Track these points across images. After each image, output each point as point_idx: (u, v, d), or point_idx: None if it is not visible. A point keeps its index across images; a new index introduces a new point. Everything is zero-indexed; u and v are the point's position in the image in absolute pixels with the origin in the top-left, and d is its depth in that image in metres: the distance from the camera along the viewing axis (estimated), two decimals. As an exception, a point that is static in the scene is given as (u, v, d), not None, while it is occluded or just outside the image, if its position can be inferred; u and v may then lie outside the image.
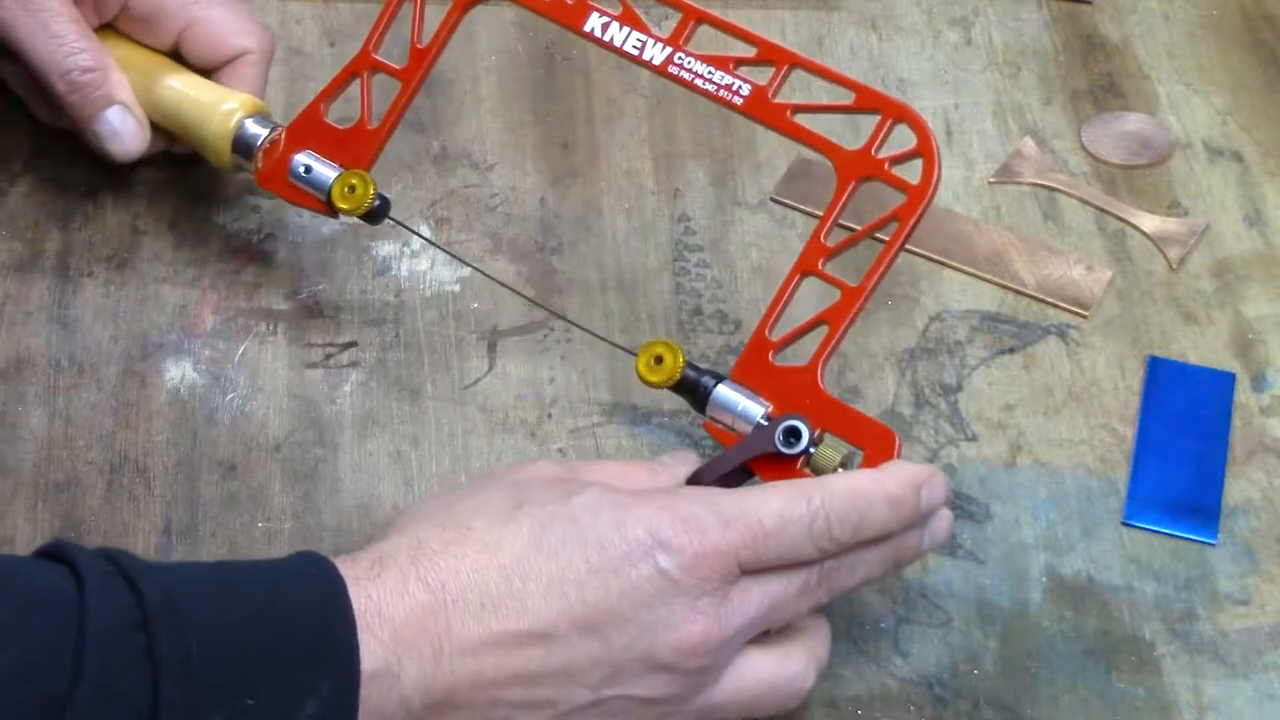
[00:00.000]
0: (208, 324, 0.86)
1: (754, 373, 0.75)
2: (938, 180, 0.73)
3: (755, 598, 0.67)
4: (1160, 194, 0.93)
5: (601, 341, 0.86)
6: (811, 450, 0.72)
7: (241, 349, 0.85)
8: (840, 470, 0.72)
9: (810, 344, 0.74)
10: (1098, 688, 0.75)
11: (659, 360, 0.76)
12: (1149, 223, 0.92)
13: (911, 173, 0.74)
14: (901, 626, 0.77)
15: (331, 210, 0.84)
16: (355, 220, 0.90)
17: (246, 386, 0.84)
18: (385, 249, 0.90)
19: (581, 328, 0.85)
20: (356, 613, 0.63)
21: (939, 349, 0.87)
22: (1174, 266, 0.90)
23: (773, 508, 0.67)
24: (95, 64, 0.85)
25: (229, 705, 0.60)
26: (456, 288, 0.88)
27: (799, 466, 0.72)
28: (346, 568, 0.64)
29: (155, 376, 0.84)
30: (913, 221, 0.73)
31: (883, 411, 0.84)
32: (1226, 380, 0.86)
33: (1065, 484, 0.82)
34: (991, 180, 0.94)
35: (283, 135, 0.85)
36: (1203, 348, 0.87)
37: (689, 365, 0.76)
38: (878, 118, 0.76)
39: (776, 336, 0.75)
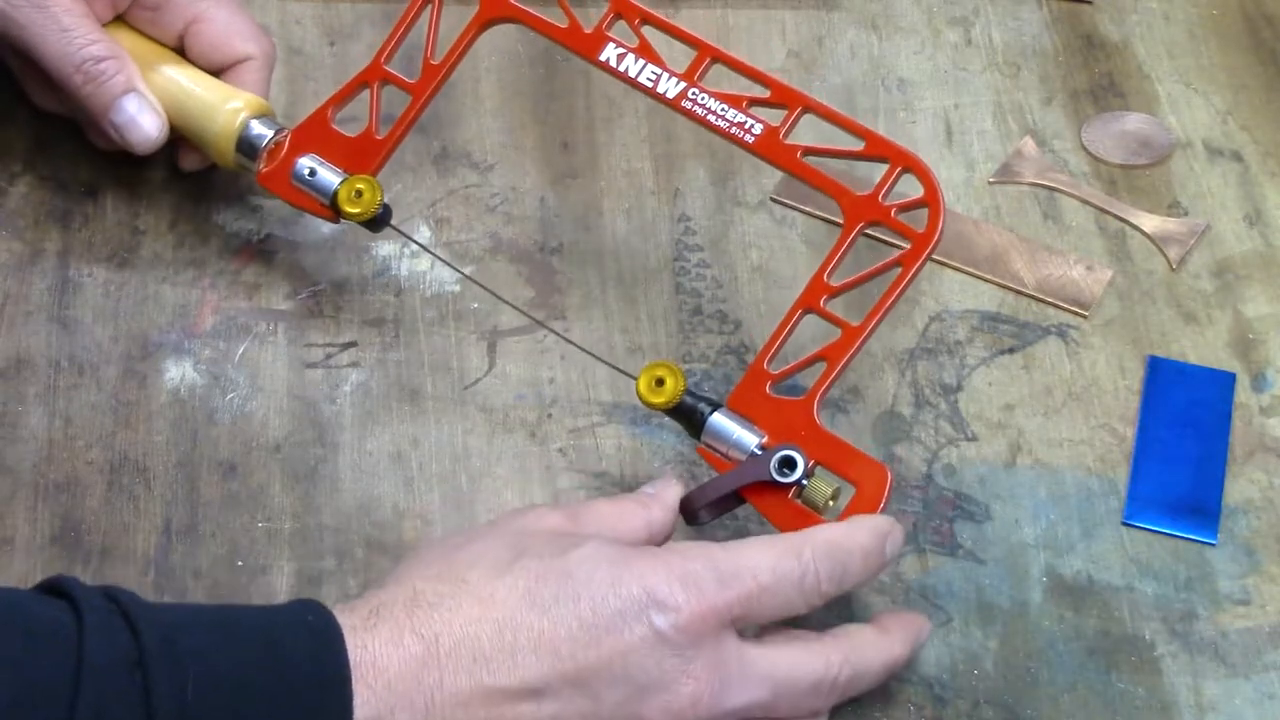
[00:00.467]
0: (208, 324, 0.86)
1: (751, 402, 0.76)
2: (942, 230, 0.74)
3: (762, 669, 0.68)
4: (1160, 194, 0.93)
5: (602, 340, 0.86)
6: (804, 482, 0.73)
7: (241, 349, 0.85)
8: (830, 503, 0.73)
9: (808, 378, 0.75)
10: (1098, 688, 0.75)
11: (660, 383, 0.77)
12: (1149, 223, 0.92)
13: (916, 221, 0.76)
14: (901, 626, 0.77)
15: (334, 214, 0.84)
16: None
17: (246, 386, 0.84)
18: (385, 249, 0.90)
19: (583, 349, 0.85)
20: (352, 663, 0.63)
21: (939, 349, 0.87)
22: (1174, 266, 0.90)
23: (767, 563, 0.68)
24: (109, 53, 0.85)
25: None
26: (456, 288, 0.88)
27: (790, 497, 0.73)
28: (344, 617, 0.65)
29: (155, 376, 0.84)
30: (916, 268, 0.75)
31: (883, 411, 0.84)
32: (1226, 380, 0.86)
33: (1065, 484, 0.82)
34: (991, 180, 0.94)
35: (288, 137, 0.85)
36: (1203, 348, 0.87)
37: (687, 391, 0.76)
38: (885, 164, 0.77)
39: (775, 369, 0.76)
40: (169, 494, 0.80)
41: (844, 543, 0.70)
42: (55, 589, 0.62)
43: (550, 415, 0.84)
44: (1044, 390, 0.85)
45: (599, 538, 0.69)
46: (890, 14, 1.01)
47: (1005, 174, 0.94)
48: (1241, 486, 0.82)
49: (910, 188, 0.76)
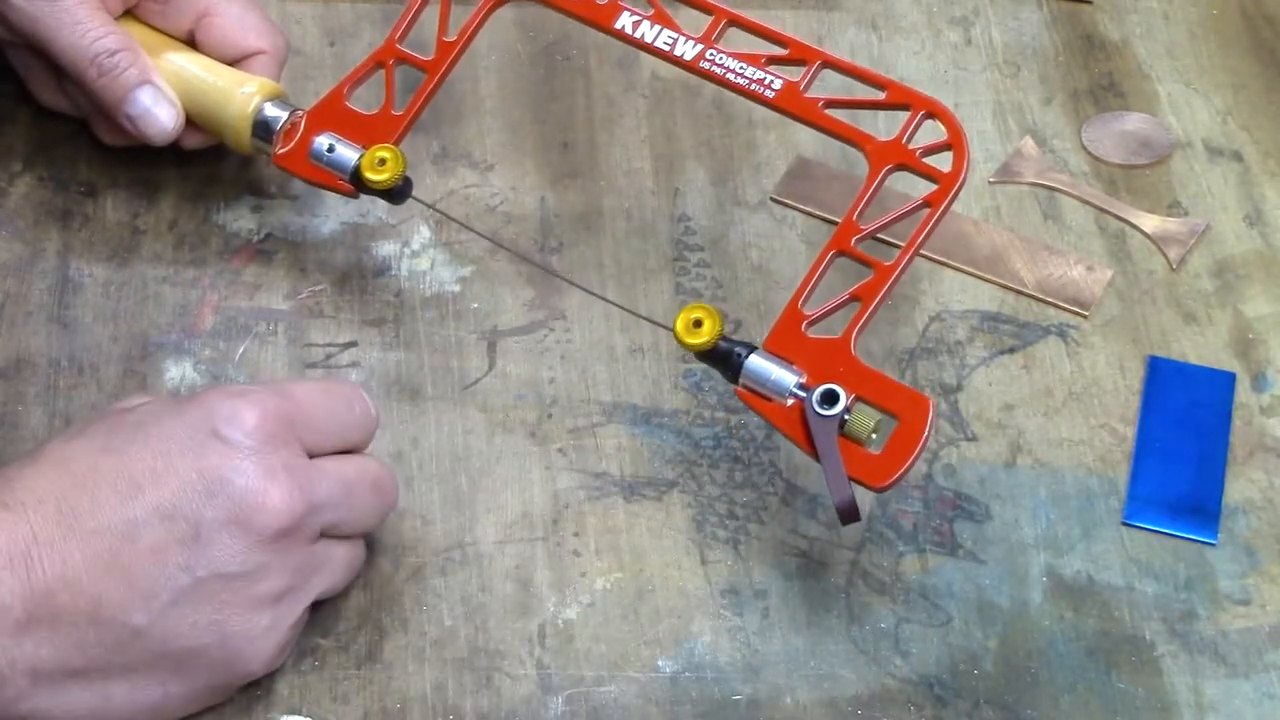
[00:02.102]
0: (208, 324, 0.86)
1: (787, 344, 0.76)
2: (968, 169, 0.77)
3: (333, 473, 0.72)
4: (1160, 194, 0.93)
5: (602, 340, 0.86)
6: (846, 416, 0.74)
7: (241, 349, 0.85)
8: (873, 436, 0.74)
9: (840, 321, 0.76)
10: (1098, 688, 0.75)
11: (698, 324, 0.77)
12: (1149, 223, 0.92)
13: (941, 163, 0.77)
14: (901, 626, 0.77)
15: (356, 187, 0.84)
16: (357, 219, 0.90)
17: (246, 386, 0.84)
18: (385, 249, 0.90)
19: (615, 304, 0.85)
20: None
21: (939, 349, 0.87)
22: (1174, 266, 0.90)
23: (317, 386, 0.74)
24: (122, 46, 0.85)
25: None
26: (456, 288, 0.88)
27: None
28: None
29: (155, 376, 0.84)
30: (944, 205, 0.76)
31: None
32: (1226, 380, 0.86)
33: (1065, 484, 0.82)
34: (991, 180, 0.94)
35: (303, 118, 0.86)
36: (1203, 348, 0.87)
37: (722, 335, 0.77)
38: (905, 113, 0.79)
39: (810, 311, 0.76)
40: (169, 494, 0.80)
41: (358, 393, 0.76)
42: None
43: (550, 415, 0.84)
44: (1044, 390, 0.85)
45: (168, 398, 0.75)
46: (890, 14, 1.01)
47: (1005, 174, 0.94)
48: (1241, 486, 0.82)
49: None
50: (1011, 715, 0.75)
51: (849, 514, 0.73)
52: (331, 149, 0.85)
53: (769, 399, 0.75)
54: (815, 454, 0.74)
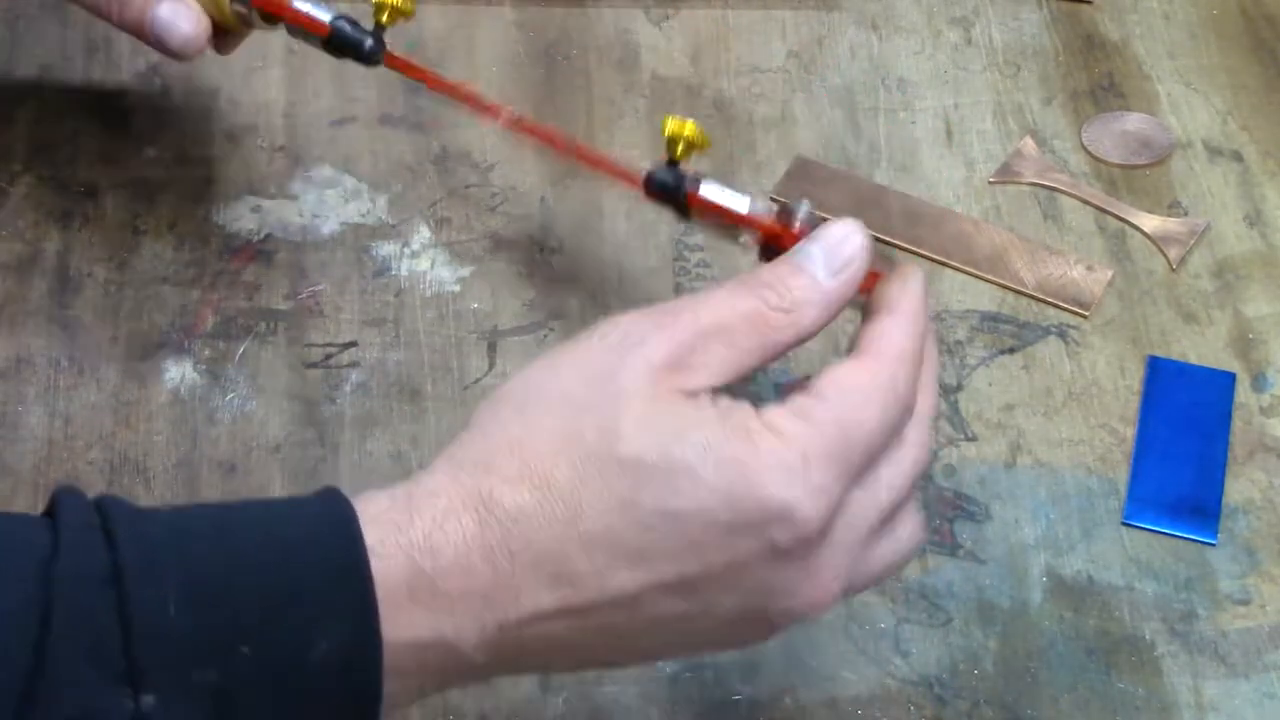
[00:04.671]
0: (208, 324, 0.86)
1: None
2: None
3: (870, 509, 0.60)
4: (1160, 194, 0.93)
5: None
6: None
7: (241, 349, 0.85)
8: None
9: None
10: (1098, 688, 0.75)
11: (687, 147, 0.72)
12: (1149, 223, 0.92)
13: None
14: (901, 626, 0.77)
15: (329, 38, 0.80)
16: (357, 219, 0.90)
17: (246, 386, 0.84)
18: (385, 249, 0.90)
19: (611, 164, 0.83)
20: (408, 588, 0.56)
21: (939, 349, 0.87)
22: (1174, 266, 0.90)
23: (878, 419, 0.60)
24: None
25: (219, 657, 0.55)
26: (456, 288, 0.88)
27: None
28: (398, 534, 0.57)
29: (155, 376, 0.84)
30: None
31: (883, 411, 0.84)
32: (1226, 380, 0.86)
33: (1065, 484, 0.82)
34: (991, 180, 0.94)
35: None
36: (1203, 348, 0.87)
37: (665, 169, 0.72)
38: None
39: None
40: (169, 494, 0.80)
41: (921, 338, 0.62)
42: (51, 503, 0.59)
43: (550, 415, 0.84)
44: (1044, 390, 0.85)
45: (713, 415, 0.59)
46: (890, 14, 1.01)
47: (1005, 174, 0.94)
48: (1241, 486, 0.82)
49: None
50: (1011, 715, 0.75)
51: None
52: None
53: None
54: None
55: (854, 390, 0.60)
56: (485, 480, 0.58)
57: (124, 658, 0.54)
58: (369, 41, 0.81)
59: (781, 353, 0.61)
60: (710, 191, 0.72)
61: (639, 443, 0.58)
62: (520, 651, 0.59)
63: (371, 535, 0.57)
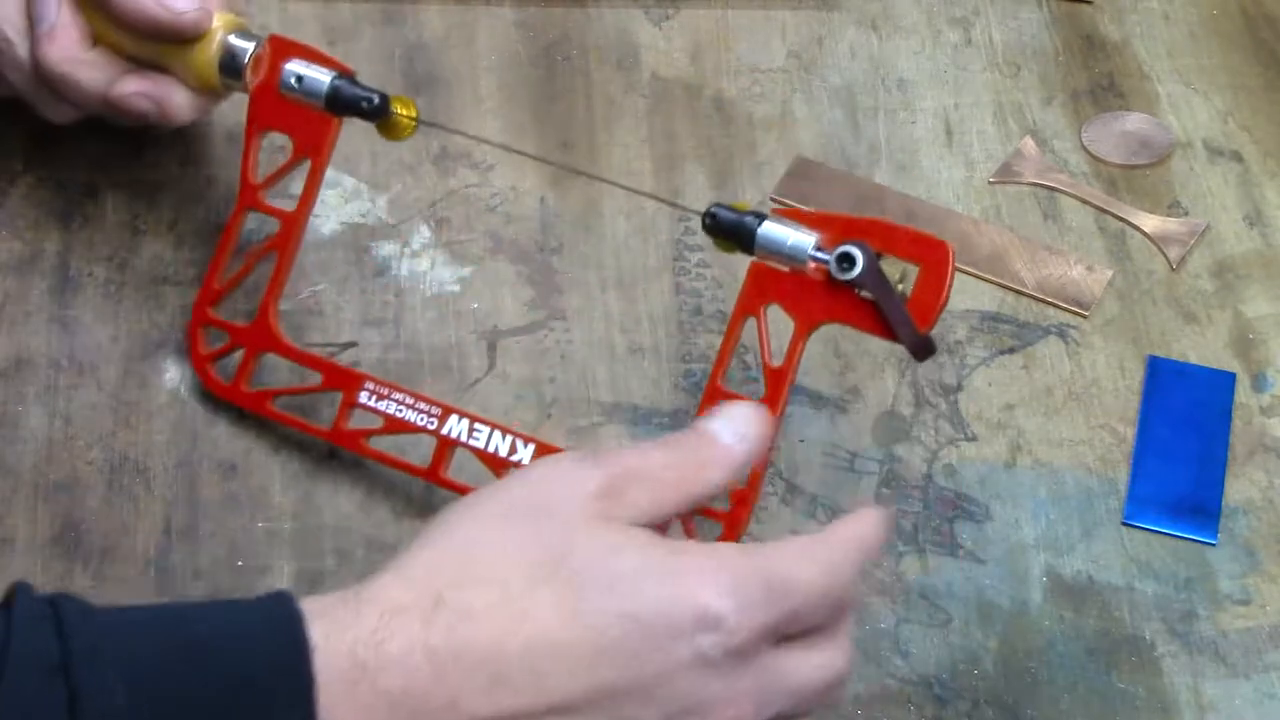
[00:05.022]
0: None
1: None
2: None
3: (792, 679, 0.63)
4: (1160, 194, 0.93)
5: (602, 340, 0.86)
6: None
7: (241, 348, 0.85)
8: (899, 286, 0.71)
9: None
10: (1098, 688, 0.75)
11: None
12: (1149, 223, 0.92)
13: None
14: (901, 626, 0.77)
15: (334, 111, 0.81)
16: (357, 219, 0.90)
17: (246, 386, 0.84)
18: (385, 249, 0.90)
19: (621, 185, 0.84)
20: (347, 681, 0.58)
21: (939, 349, 0.87)
22: (1174, 266, 0.90)
23: (819, 582, 0.63)
24: None
25: None
26: (457, 288, 0.88)
27: (858, 294, 0.72)
28: (348, 631, 0.59)
29: (155, 376, 0.84)
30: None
31: (883, 411, 0.84)
32: (1226, 380, 0.86)
33: (1065, 484, 0.82)
34: (991, 180, 0.94)
35: (267, 47, 0.82)
36: (1203, 348, 0.87)
37: (727, 206, 0.75)
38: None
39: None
40: (169, 494, 0.80)
41: (868, 539, 0.66)
42: (7, 596, 0.59)
43: (550, 415, 0.84)
44: (1044, 390, 0.85)
45: (646, 536, 0.63)
46: (890, 14, 1.01)
47: (1005, 174, 0.94)
48: (1241, 486, 0.82)
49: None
50: (1011, 715, 0.75)
51: (925, 349, 0.72)
52: (300, 79, 0.81)
53: (788, 266, 0.74)
54: (843, 320, 0.72)
55: (794, 546, 0.64)
56: (433, 583, 0.60)
57: None
58: (375, 99, 0.81)
59: (694, 504, 0.65)
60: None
61: (584, 555, 0.61)
62: None
63: (317, 630, 0.59)
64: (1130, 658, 0.76)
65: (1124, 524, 0.81)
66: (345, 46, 0.98)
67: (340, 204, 0.91)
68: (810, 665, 0.64)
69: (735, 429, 0.66)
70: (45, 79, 0.83)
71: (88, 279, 0.88)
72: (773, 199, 0.92)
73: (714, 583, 0.61)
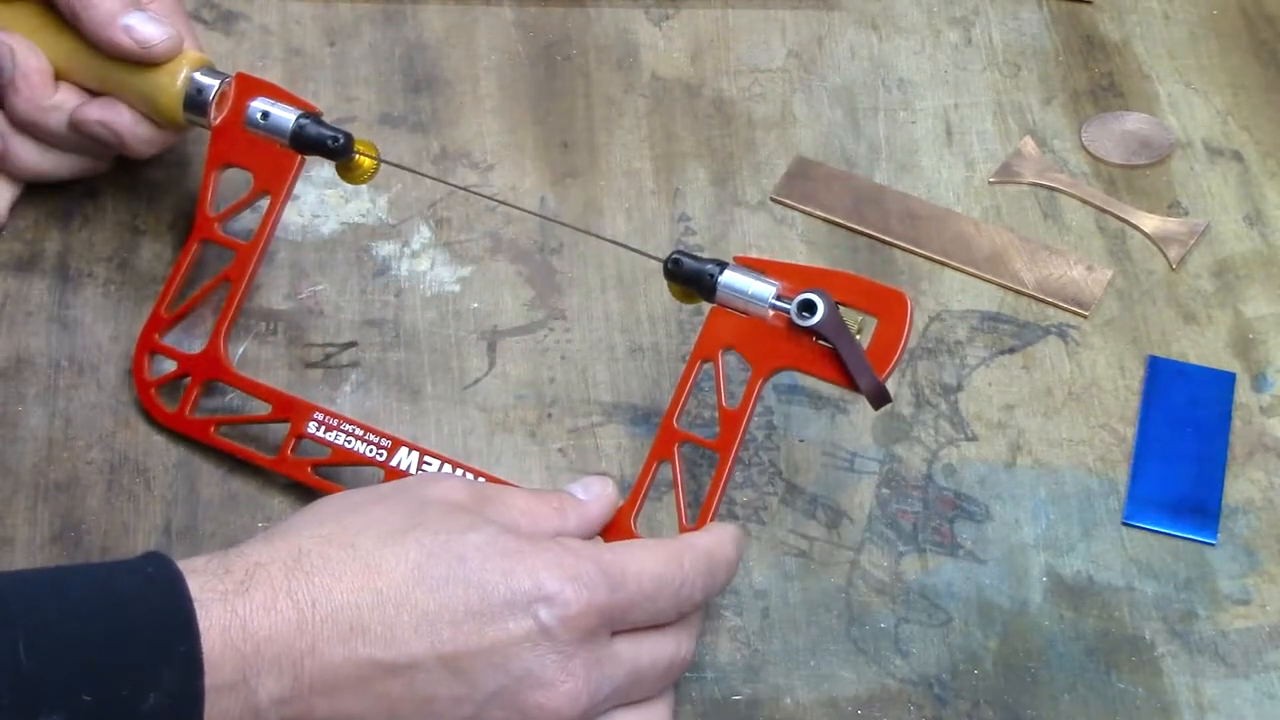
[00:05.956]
0: (207, 324, 0.85)
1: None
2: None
3: (626, 664, 0.68)
4: (1160, 194, 0.93)
5: (602, 340, 0.86)
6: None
7: (241, 349, 0.85)
8: (857, 336, 0.73)
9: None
10: (1098, 688, 0.75)
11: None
12: (1149, 223, 0.92)
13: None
14: (901, 626, 0.77)
15: (299, 149, 0.82)
16: (357, 219, 0.90)
17: (246, 386, 0.84)
18: (385, 249, 0.90)
19: (611, 240, 0.85)
20: (219, 627, 0.62)
21: (939, 349, 0.87)
22: (1174, 266, 0.90)
23: (653, 570, 0.68)
24: None
25: (64, 702, 0.59)
26: (457, 288, 0.88)
27: (814, 341, 0.73)
28: (214, 579, 0.63)
29: (155, 376, 0.84)
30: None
31: (883, 412, 0.84)
32: (1226, 380, 0.86)
33: (1065, 484, 0.82)
34: (991, 180, 0.94)
35: (232, 84, 0.83)
36: (1203, 348, 0.87)
37: (688, 254, 0.76)
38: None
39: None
40: (169, 494, 0.80)
41: (718, 552, 0.71)
42: None
43: (550, 415, 0.84)
44: (1044, 390, 0.85)
45: (500, 525, 0.68)
46: (890, 14, 1.01)
47: (1005, 174, 0.94)
48: (1241, 486, 0.82)
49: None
50: (1011, 715, 0.75)
51: (882, 397, 0.73)
52: (266, 115, 0.82)
53: (749, 313, 0.75)
54: (803, 368, 0.74)
55: (638, 544, 0.70)
56: (294, 541, 0.66)
57: None
58: (340, 138, 0.81)
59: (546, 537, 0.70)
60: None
61: (437, 527, 0.67)
62: (308, 716, 0.64)
63: (194, 584, 0.63)
64: (1130, 658, 0.76)
65: (1124, 524, 0.81)
66: (345, 46, 0.98)
67: (340, 204, 0.91)
68: (645, 651, 0.69)
69: (590, 491, 0.73)
70: (18, 128, 0.86)
71: (88, 279, 0.88)
72: (773, 199, 0.92)
73: (555, 564, 0.67)
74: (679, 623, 0.70)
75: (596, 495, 0.74)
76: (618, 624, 0.68)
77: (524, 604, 0.65)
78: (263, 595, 0.63)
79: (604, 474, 0.79)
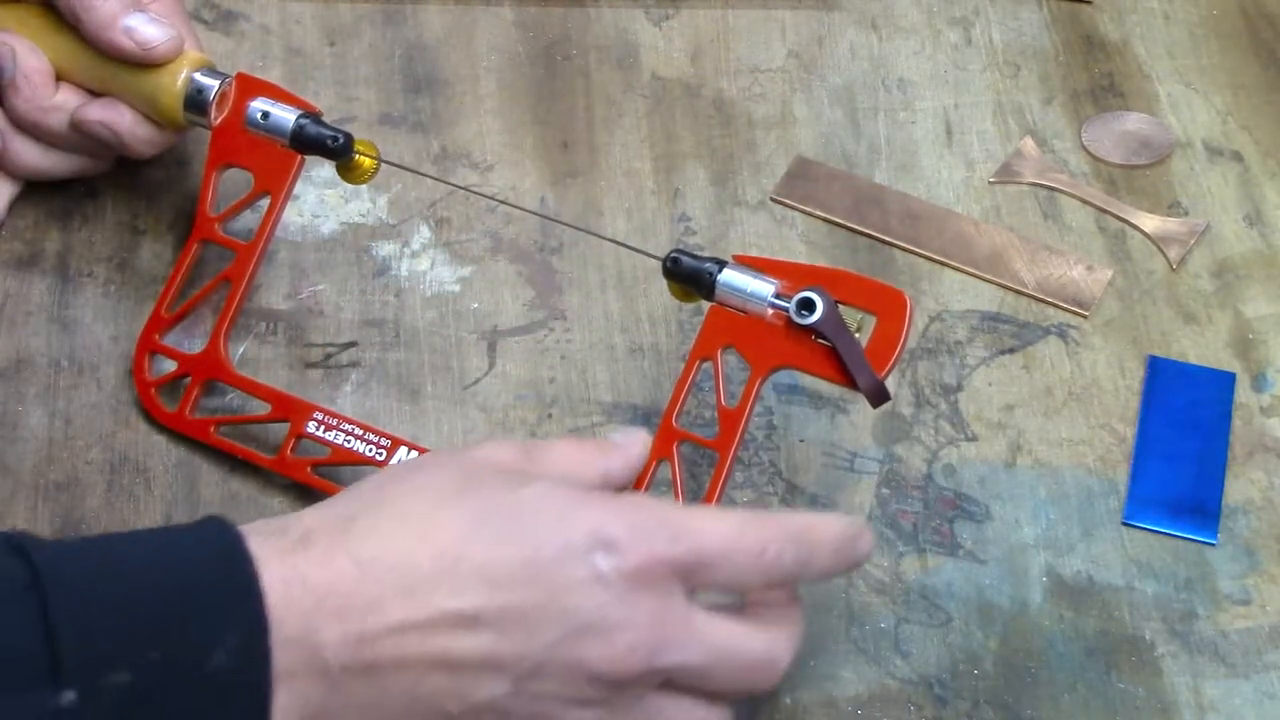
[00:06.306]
0: (207, 324, 0.86)
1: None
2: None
3: (700, 638, 0.66)
4: (1160, 194, 0.93)
5: (602, 340, 0.86)
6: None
7: (241, 349, 0.85)
8: (856, 334, 0.73)
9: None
10: (1098, 688, 0.75)
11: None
12: (1149, 223, 0.92)
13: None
14: (901, 626, 0.77)
15: (300, 149, 0.82)
16: (357, 219, 0.90)
17: (246, 386, 0.84)
18: (385, 249, 0.90)
19: (611, 240, 0.85)
20: (281, 581, 0.62)
21: (939, 349, 0.87)
22: (1174, 266, 0.90)
23: (723, 530, 0.66)
24: None
25: (132, 660, 0.59)
26: (456, 288, 0.88)
27: (813, 339, 0.73)
28: (274, 538, 0.63)
29: (155, 376, 0.84)
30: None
31: (883, 411, 0.84)
32: (1226, 380, 0.86)
33: (1065, 484, 0.82)
34: (991, 180, 0.94)
35: (233, 84, 0.83)
36: (1203, 348, 0.87)
37: (688, 253, 0.76)
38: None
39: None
40: (169, 494, 0.80)
41: (816, 527, 0.68)
42: None
43: (550, 415, 0.84)
44: (1044, 390, 0.85)
45: (551, 478, 0.68)
46: (890, 14, 1.01)
47: (1005, 174, 0.94)
48: (1241, 486, 0.82)
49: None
50: (1011, 715, 0.75)
51: (881, 396, 0.73)
52: (266, 115, 0.82)
53: (748, 312, 0.75)
54: (804, 368, 0.74)
55: (710, 506, 0.70)
56: (343, 510, 0.66)
57: (47, 656, 0.58)
58: (340, 137, 0.81)
59: (596, 484, 0.70)
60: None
61: (490, 488, 0.66)
62: (371, 676, 0.63)
63: (252, 543, 0.63)
64: (1130, 658, 0.76)
65: (1124, 524, 0.81)
66: (345, 46, 0.98)
67: (340, 204, 0.91)
68: (726, 633, 0.66)
69: (627, 436, 0.72)
70: (19, 128, 0.86)
71: (88, 279, 0.88)
72: (773, 199, 0.92)
73: (613, 512, 0.65)
74: (776, 621, 0.68)
75: (634, 439, 0.73)
76: (690, 581, 0.65)
77: (581, 552, 0.64)
78: (320, 552, 0.63)
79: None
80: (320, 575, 0.63)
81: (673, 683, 0.66)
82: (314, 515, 0.65)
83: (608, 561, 0.64)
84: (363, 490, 0.67)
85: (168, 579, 0.61)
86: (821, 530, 0.68)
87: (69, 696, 0.58)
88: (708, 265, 0.75)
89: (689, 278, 0.76)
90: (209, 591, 0.61)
